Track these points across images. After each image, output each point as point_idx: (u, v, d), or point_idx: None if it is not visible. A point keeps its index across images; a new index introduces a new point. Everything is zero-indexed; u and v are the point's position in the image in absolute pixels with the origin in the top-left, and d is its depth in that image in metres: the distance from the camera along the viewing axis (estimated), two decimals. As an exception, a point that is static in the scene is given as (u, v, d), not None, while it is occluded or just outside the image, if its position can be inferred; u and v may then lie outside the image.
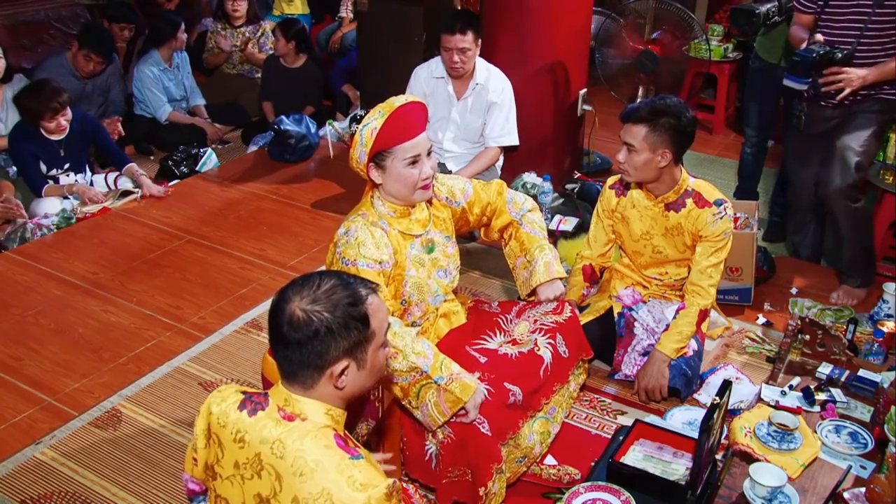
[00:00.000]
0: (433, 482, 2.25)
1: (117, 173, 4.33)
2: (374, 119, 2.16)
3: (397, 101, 2.19)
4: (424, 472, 2.26)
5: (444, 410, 2.10)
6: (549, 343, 2.38)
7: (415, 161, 2.18)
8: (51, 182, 4.06)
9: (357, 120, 4.77)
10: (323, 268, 2.56)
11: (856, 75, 2.97)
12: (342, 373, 1.49)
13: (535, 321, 2.45)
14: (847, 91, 2.99)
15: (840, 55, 2.99)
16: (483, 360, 2.32)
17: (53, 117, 3.90)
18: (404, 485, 2.33)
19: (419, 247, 2.31)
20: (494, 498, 2.18)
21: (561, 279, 2.51)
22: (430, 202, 2.40)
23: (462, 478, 2.19)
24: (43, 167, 4.02)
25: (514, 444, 2.27)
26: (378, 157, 2.18)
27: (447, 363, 2.15)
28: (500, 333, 2.44)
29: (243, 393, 1.57)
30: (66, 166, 4.08)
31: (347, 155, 2.27)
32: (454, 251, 2.42)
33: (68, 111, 3.96)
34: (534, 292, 2.53)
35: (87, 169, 4.23)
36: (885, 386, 2.47)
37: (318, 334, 1.45)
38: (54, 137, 4.00)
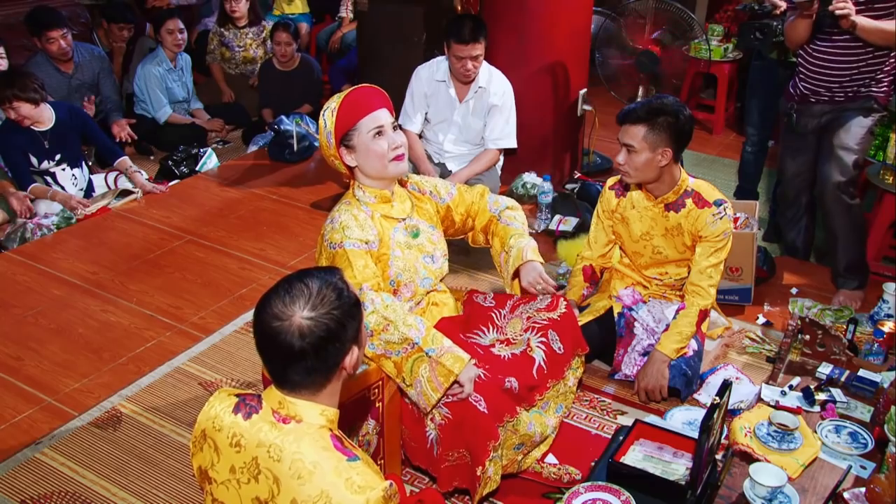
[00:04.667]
0: (434, 468, 2.27)
1: (117, 173, 4.33)
2: (332, 102, 2.25)
3: (352, 88, 2.29)
4: (426, 459, 2.28)
5: (437, 385, 2.12)
6: (541, 342, 2.39)
7: (380, 132, 2.23)
8: (49, 179, 4.06)
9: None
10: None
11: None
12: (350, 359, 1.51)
13: (529, 318, 2.45)
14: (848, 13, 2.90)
15: None
16: (479, 352, 2.34)
17: (9, 106, 3.84)
18: (402, 478, 2.35)
19: (403, 231, 2.35)
20: (489, 482, 2.19)
21: (539, 262, 2.49)
22: (403, 184, 2.44)
23: (461, 460, 2.21)
24: (34, 160, 4.00)
25: (513, 428, 2.27)
26: (345, 138, 2.24)
27: (438, 336, 2.17)
28: (494, 329, 2.45)
29: (237, 396, 1.56)
30: (58, 157, 4.05)
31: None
32: (440, 239, 2.46)
33: (19, 106, 3.85)
34: (518, 276, 2.52)
35: (84, 164, 4.22)
36: (885, 386, 2.47)
37: (334, 335, 1.44)
38: (38, 128, 3.97)
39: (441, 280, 2.49)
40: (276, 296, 1.45)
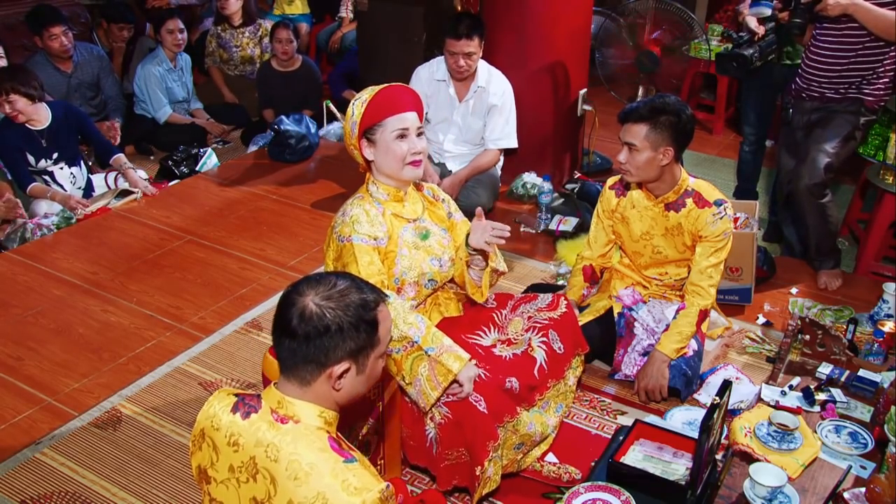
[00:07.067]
0: (433, 467, 2.28)
1: (117, 173, 4.33)
2: (364, 94, 2.25)
3: (387, 85, 2.28)
4: (425, 457, 2.29)
5: (435, 384, 2.12)
6: (542, 342, 2.40)
7: (403, 135, 2.23)
8: (47, 178, 4.06)
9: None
10: (321, 268, 2.57)
11: (835, 1, 2.97)
12: (342, 375, 1.49)
13: (530, 318, 2.46)
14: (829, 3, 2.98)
15: None
16: (480, 353, 2.34)
17: (5, 98, 3.81)
18: (402, 477, 2.35)
19: (412, 231, 2.35)
20: (489, 482, 2.19)
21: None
22: (418, 187, 2.43)
23: (460, 459, 2.21)
24: (31, 159, 3.99)
25: (513, 429, 2.28)
26: (368, 131, 2.24)
27: (439, 335, 2.18)
28: (495, 329, 2.46)
29: (236, 395, 1.56)
30: (55, 156, 4.04)
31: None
32: (449, 243, 2.44)
33: (16, 100, 3.82)
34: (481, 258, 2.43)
35: (82, 163, 4.21)
36: (885, 386, 2.47)
37: (328, 331, 1.45)
38: (34, 127, 3.96)
39: (445, 283, 2.49)
40: (309, 278, 1.52)
